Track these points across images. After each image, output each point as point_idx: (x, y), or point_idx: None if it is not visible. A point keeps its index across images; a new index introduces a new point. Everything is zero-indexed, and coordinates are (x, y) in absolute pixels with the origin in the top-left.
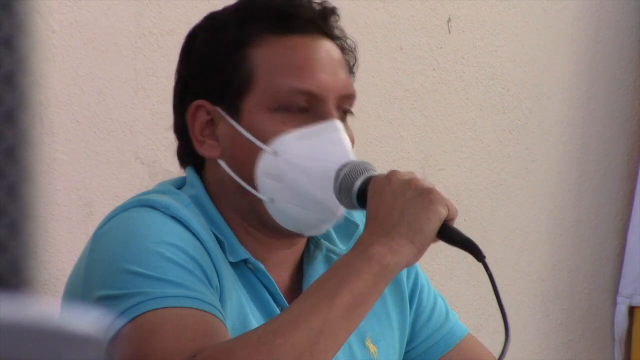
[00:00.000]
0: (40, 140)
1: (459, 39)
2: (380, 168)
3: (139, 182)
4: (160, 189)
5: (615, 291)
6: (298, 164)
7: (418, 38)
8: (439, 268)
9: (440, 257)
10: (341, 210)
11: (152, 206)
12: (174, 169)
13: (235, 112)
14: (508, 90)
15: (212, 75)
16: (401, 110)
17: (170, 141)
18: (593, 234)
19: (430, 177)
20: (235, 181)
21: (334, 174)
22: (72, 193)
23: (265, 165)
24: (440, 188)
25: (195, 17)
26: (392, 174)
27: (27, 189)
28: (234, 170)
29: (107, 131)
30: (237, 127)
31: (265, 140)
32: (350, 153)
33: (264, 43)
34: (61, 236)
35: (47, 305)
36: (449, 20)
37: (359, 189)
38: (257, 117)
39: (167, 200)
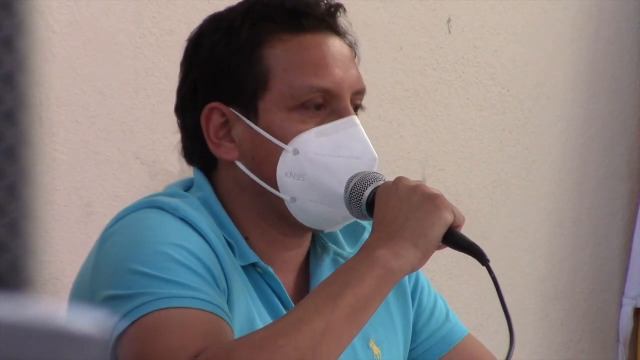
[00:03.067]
0: (40, 140)
1: (459, 39)
2: (380, 168)
3: (139, 182)
4: (168, 192)
5: (621, 292)
6: (320, 161)
7: (418, 38)
8: (439, 268)
9: (440, 257)
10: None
11: (161, 207)
12: (174, 169)
13: (251, 113)
14: (508, 90)
15: (226, 76)
16: (401, 110)
17: (170, 141)
18: (593, 234)
19: (430, 177)
20: (254, 182)
21: (344, 182)
22: (72, 193)
23: (286, 164)
24: (440, 188)
25: (195, 17)
26: (399, 180)
27: (27, 189)
28: (254, 171)
29: (107, 131)
30: (255, 128)
31: (284, 139)
32: (369, 146)
33: (278, 42)
34: (61, 236)
35: (47, 305)
36: (449, 20)
37: (367, 198)
38: (275, 117)
39: (175, 202)
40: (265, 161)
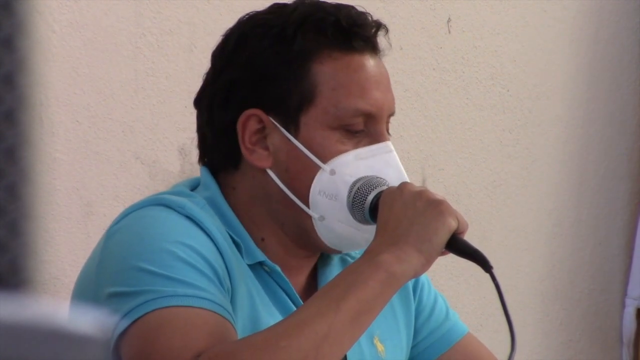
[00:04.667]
0: (40, 140)
1: (459, 39)
2: None
3: (139, 182)
4: (174, 191)
5: (621, 292)
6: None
7: (418, 38)
8: (439, 268)
9: (441, 257)
10: None
11: (167, 205)
12: (174, 169)
13: (292, 125)
14: (508, 90)
15: (270, 85)
16: (401, 110)
17: (170, 141)
18: (593, 234)
19: (430, 177)
20: (284, 193)
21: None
22: (72, 193)
23: (322, 183)
24: (440, 188)
25: (195, 17)
26: (403, 185)
27: (27, 189)
28: (285, 183)
29: (107, 131)
30: (295, 141)
31: (323, 158)
32: (404, 175)
33: (328, 59)
34: (61, 236)
35: (47, 305)
36: (449, 21)
37: (371, 203)
38: (316, 134)
39: (182, 201)
40: (300, 176)
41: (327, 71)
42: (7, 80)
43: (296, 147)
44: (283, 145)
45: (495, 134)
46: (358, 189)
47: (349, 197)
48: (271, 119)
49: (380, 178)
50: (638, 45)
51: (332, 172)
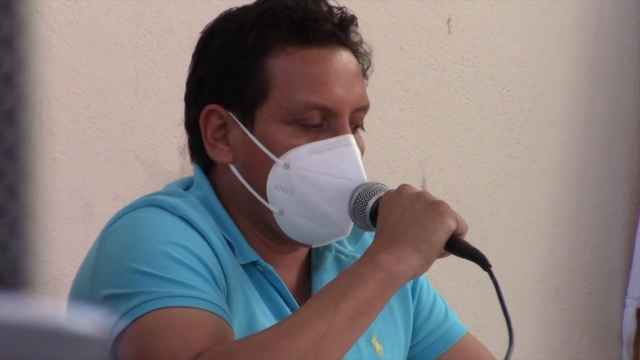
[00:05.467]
0: (40, 140)
1: (459, 39)
2: (380, 168)
3: (139, 182)
4: (167, 191)
5: (621, 292)
6: (309, 178)
7: (418, 38)
8: (439, 268)
9: (440, 258)
10: (350, 227)
11: (161, 206)
12: (174, 169)
13: (248, 120)
14: (508, 90)
15: (228, 80)
16: (401, 110)
17: (170, 141)
18: (593, 234)
19: (430, 177)
20: (246, 188)
21: (348, 193)
22: (72, 193)
23: (276, 177)
24: (440, 188)
25: (195, 17)
26: (402, 187)
27: (27, 189)
28: (245, 178)
29: (107, 131)
30: (250, 136)
31: (277, 152)
32: (361, 169)
33: (283, 54)
34: (61, 236)
35: (47, 305)
36: (449, 20)
37: (371, 209)
38: (271, 128)
39: (175, 201)
40: (257, 171)
41: (281, 65)
42: (7, 80)
43: (252, 141)
44: (241, 140)
45: (495, 134)
46: (358, 195)
47: (349, 204)
48: (230, 114)
49: (380, 184)
50: (638, 45)
51: (286, 166)
